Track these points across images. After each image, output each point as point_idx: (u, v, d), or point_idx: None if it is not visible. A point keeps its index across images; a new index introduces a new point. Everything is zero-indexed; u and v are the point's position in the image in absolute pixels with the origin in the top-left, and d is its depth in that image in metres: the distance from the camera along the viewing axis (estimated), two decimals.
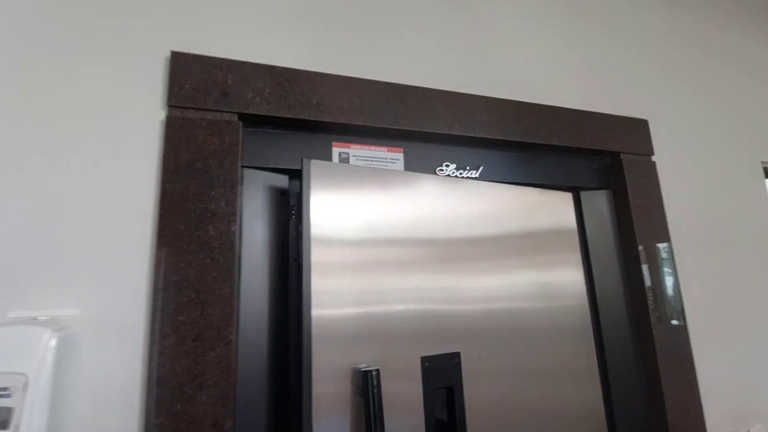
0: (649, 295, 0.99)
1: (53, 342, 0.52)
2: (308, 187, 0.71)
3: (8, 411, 0.48)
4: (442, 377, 0.79)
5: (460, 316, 0.82)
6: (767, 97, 1.38)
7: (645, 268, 1.02)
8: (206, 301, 0.63)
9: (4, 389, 0.48)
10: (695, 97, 1.24)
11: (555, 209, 0.98)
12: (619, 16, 1.18)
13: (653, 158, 1.09)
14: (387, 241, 0.76)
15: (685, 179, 1.14)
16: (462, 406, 0.79)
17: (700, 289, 1.07)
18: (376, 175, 0.78)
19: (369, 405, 0.67)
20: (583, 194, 1.04)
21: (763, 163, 1.31)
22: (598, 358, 0.95)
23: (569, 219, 1.00)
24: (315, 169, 0.72)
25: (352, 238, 0.73)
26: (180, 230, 0.63)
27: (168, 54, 0.69)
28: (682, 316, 1.01)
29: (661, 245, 1.04)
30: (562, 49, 1.06)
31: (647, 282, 1.00)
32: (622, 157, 1.04)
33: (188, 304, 0.62)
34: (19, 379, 0.49)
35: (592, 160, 1.05)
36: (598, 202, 1.05)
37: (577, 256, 0.98)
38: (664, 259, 1.04)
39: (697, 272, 1.08)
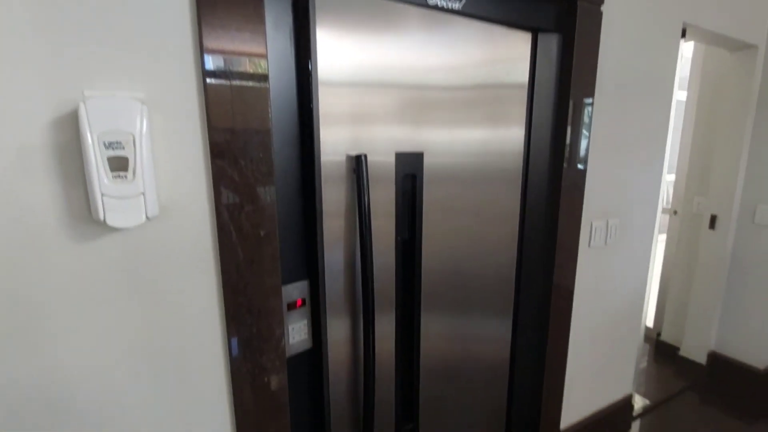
0: (567, 149, 1.30)
1: (145, 110, 0.66)
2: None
3: (125, 159, 0.66)
4: (409, 167, 1.07)
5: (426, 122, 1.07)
6: None
7: (569, 129, 1.29)
8: (246, 88, 0.78)
9: (119, 143, 0.64)
10: None
11: (516, 50, 1.17)
12: None
13: (602, 8, 1.27)
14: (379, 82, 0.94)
15: (621, 29, 1.35)
16: (421, 187, 1.10)
17: (604, 133, 1.40)
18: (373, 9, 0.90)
19: (360, 178, 0.95)
20: (540, 36, 1.22)
21: (684, 23, 1.54)
22: (522, 191, 1.29)
23: (525, 67, 1.20)
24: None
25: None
26: (220, 34, 0.73)
27: None
28: (585, 161, 1.35)
29: (587, 100, 1.30)
30: None
31: (568, 140, 1.30)
32: (578, 3, 1.20)
33: (235, 91, 0.77)
34: (129, 137, 0.65)
35: (554, 4, 1.20)
36: (551, 44, 1.25)
37: (523, 110, 1.23)
38: (585, 123, 1.32)
39: (607, 118, 1.39)
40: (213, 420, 0.88)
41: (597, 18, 1.26)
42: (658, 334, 2.60)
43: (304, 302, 1.00)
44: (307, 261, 0.99)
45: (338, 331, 1.06)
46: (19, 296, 0.66)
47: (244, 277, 0.85)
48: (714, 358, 2.23)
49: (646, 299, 1.84)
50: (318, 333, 1.03)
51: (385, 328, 1.13)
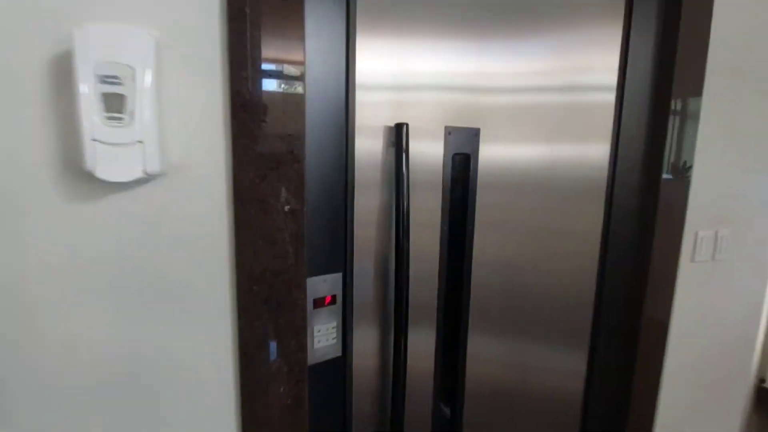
0: (666, 158, 1.04)
1: (152, 42, 0.55)
2: None
3: (121, 98, 0.54)
4: (462, 145, 0.89)
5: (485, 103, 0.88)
6: None
7: (669, 138, 1.02)
8: (273, 33, 0.65)
9: (116, 77, 0.53)
10: None
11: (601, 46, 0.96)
12: None
13: None
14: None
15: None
16: (476, 170, 0.90)
17: (713, 130, 1.11)
18: None
19: (399, 149, 0.78)
20: (636, 3, 0.98)
21: None
22: (606, 204, 1.05)
23: (612, 64, 0.98)
24: None
25: None
26: None
27: None
28: (688, 169, 1.08)
29: (694, 99, 1.01)
30: None
31: (668, 150, 1.03)
32: None
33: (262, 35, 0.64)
34: (127, 70, 0.53)
35: None
36: (649, 12, 1.01)
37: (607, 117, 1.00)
38: (690, 124, 1.03)
39: (719, 111, 1.10)
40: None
41: None
42: (762, 381, 2.12)
43: (334, 300, 0.84)
44: (343, 249, 0.83)
45: (369, 339, 0.88)
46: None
47: (261, 261, 0.70)
48: None
49: (760, 332, 1.47)
50: (349, 339, 0.86)
51: (427, 340, 0.94)
